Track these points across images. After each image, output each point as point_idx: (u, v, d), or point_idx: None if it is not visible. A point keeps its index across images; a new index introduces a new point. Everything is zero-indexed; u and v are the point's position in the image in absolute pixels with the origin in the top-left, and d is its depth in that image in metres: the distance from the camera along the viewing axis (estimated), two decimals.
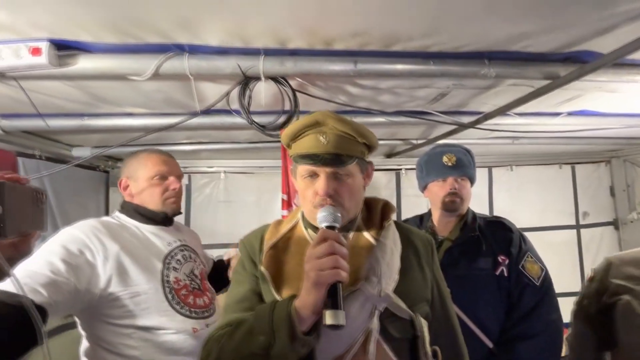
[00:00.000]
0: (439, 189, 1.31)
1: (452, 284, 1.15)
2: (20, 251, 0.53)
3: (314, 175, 0.73)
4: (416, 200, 2.66)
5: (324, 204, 0.71)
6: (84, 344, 1.02)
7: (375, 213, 0.83)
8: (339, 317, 0.59)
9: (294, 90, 1.12)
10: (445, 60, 1.08)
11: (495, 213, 2.96)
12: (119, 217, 1.17)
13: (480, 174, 3.00)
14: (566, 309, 3.10)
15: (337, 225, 0.68)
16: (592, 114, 1.78)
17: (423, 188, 1.42)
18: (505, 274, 1.15)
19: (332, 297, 0.61)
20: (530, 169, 3.03)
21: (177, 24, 0.84)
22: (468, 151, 1.36)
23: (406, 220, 1.52)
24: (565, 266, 2.99)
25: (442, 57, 1.07)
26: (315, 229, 0.77)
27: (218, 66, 1.00)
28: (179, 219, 2.64)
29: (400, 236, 0.81)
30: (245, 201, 2.81)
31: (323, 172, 0.71)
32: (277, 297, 0.71)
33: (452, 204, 1.28)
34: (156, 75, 1.00)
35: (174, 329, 1.00)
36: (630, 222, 2.97)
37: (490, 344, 1.12)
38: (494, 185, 3.00)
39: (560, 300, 3.22)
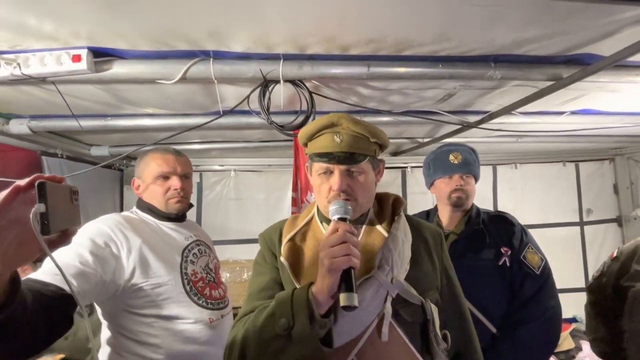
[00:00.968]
0: (446, 185, 1.38)
1: (458, 274, 1.22)
2: (59, 247, 0.58)
3: (328, 172, 0.79)
4: (422, 198, 2.72)
5: (338, 199, 0.76)
6: (105, 332, 1.07)
7: (387, 207, 0.89)
8: (353, 299, 0.63)
9: (310, 92, 1.19)
10: (454, 64, 1.14)
11: (499, 209, 3.01)
12: (137, 213, 1.22)
13: (485, 172, 3.06)
14: (569, 304, 3.14)
15: (349, 217, 0.73)
16: (595, 112, 1.83)
17: (430, 185, 1.49)
18: (508, 264, 1.22)
19: (346, 281, 0.65)
20: (534, 167, 3.07)
21: (207, 32, 0.91)
22: (473, 150, 1.43)
23: (413, 216, 1.59)
24: (568, 263, 3.03)
25: (450, 61, 1.14)
26: (329, 222, 0.82)
27: (241, 70, 1.07)
28: (191, 216, 2.73)
29: (411, 228, 0.87)
30: (254, 199, 2.90)
31: (337, 169, 0.77)
32: (297, 285, 0.77)
33: (458, 199, 1.35)
34: (183, 80, 1.07)
35: (192, 318, 1.06)
36: (633, 219, 3.01)
37: (493, 329, 1.19)
38: (499, 183, 3.05)
39: (563, 295, 3.25)
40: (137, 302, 1.02)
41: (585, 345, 2.58)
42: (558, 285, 3.26)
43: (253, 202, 2.90)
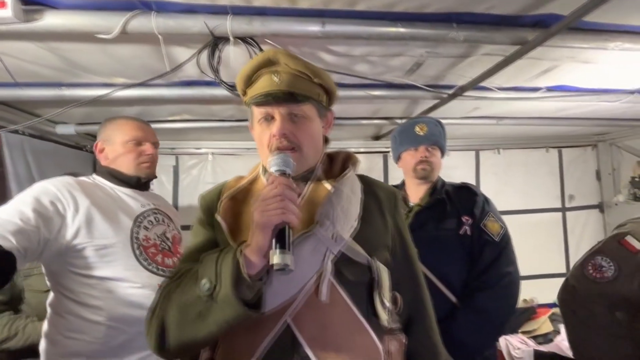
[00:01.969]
0: (411, 157, 1.35)
1: (420, 245, 1.19)
2: None
3: (269, 118, 0.73)
4: None
5: (280, 146, 0.71)
6: (50, 294, 1.06)
7: (337, 164, 0.84)
8: (286, 259, 0.58)
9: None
10: (413, 23, 1.09)
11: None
12: (94, 178, 1.21)
13: (468, 157, 3.04)
14: (550, 289, 3.13)
15: (289, 171, 0.67)
16: (570, 89, 1.79)
17: (397, 159, 1.45)
18: (469, 233, 1.20)
19: (279, 239, 0.60)
20: (517, 152, 3.05)
21: None
22: (439, 123, 1.40)
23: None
24: (550, 248, 3.03)
25: (409, 20, 1.08)
26: None
27: (186, 25, 1.01)
28: (167, 200, 2.66)
29: (365, 187, 0.82)
30: None
31: (278, 113, 0.71)
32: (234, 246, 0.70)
33: (423, 171, 1.32)
34: (124, 34, 1.01)
35: (140, 283, 1.04)
36: (615, 205, 3.00)
37: (454, 299, 1.16)
38: (481, 168, 3.02)
39: (545, 281, 3.26)
40: (80, 262, 1.01)
41: (564, 329, 2.58)
42: (540, 271, 3.26)
43: None
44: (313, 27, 1.05)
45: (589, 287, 1.02)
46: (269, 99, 0.70)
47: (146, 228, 1.14)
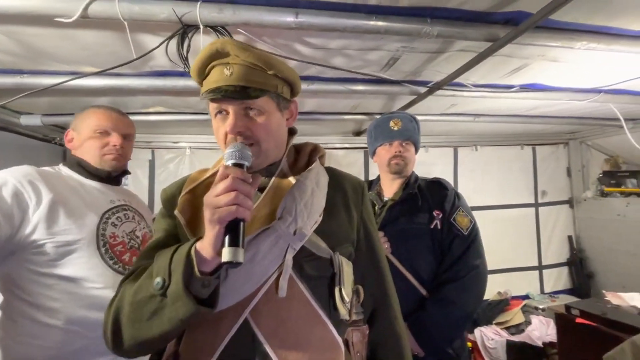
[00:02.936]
0: (386, 152, 1.36)
1: (392, 238, 1.21)
2: None
3: (223, 113, 0.70)
4: None
5: (235, 142, 0.68)
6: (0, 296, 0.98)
7: (303, 157, 0.82)
8: (237, 255, 0.56)
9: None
10: (387, 17, 1.09)
11: (460, 190, 3.04)
12: (60, 169, 1.15)
13: (446, 153, 3.10)
14: (523, 281, 3.23)
15: (246, 163, 0.65)
16: (543, 87, 1.84)
17: (372, 154, 1.46)
18: (439, 227, 1.22)
19: (231, 235, 0.57)
20: (494, 149, 3.13)
21: None
22: (414, 118, 1.41)
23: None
24: (523, 243, 3.14)
25: (384, 13, 1.08)
26: None
27: (152, 11, 0.96)
28: (143, 196, 2.56)
29: (331, 180, 0.81)
30: None
31: (231, 108, 0.69)
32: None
33: (397, 165, 1.33)
34: (85, 18, 0.96)
35: (102, 283, 0.98)
36: (583, 200, 3.13)
37: (424, 292, 1.18)
38: (459, 164, 3.09)
39: (518, 274, 3.36)
40: (39, 259, 0.94)
41: (535, 319, 2.68)
42: (513, 264, 3.36)
43: None
44: (286, 18, 1.03)
45: None
46: (221, 94, 0.67)
47: (114, 225, 1.09)
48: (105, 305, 0.98)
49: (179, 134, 2.70)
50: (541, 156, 3.21)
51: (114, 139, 1.15)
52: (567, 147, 3.26)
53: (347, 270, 0.75)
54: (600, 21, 1.16)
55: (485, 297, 1.31)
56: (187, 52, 1.12)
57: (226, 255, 0.57)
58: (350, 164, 2.93)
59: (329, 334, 0.70)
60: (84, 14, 0.94)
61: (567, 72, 1.63)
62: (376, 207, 1.39)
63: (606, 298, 2.05)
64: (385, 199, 1.38)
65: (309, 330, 0.68)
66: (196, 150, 2.75)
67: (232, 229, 0.58)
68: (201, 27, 1.02)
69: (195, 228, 0.71)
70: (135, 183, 2.63)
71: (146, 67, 1.44)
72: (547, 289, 3.13)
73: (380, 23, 1.09)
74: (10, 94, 1.51)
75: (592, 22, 1.16)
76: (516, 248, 3.10)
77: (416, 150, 1.43)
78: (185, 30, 1.04)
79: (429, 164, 2.96)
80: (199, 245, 0.60)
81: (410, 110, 2.00)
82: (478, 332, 2.61)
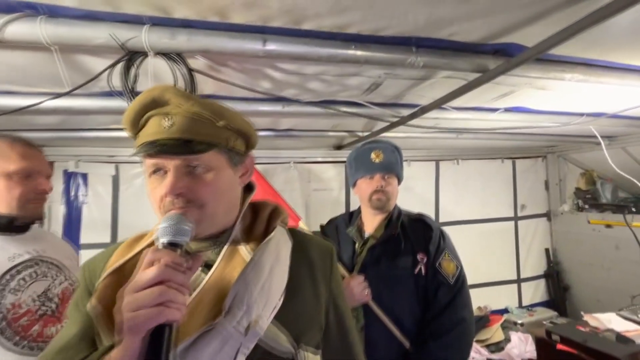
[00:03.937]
0: (367, 185, 1.26)
1: (373, 283, 1.11)
2: None
3: (162, 172, 0.57)
4: None
5: (173, 208, 0.55)
6: None
7: (261, 221, 0.68)
8: None
9: (190, 70, 0.94)
10: (368, 46, 0.97)
11: (442, 204, 3.02)
12: None
13: (428, 167, 3.04)
14: (502, 295, 3.23)
15: (183, 241, 0.52)
16: (527, 110, 1.80)
17: (353, 184, 1.35)
18: (423, 273, 1.14)
19: (153, 347, 0.45)
20: (475, 163, 3.11)
21: None
22: (397, 148, 1.31)
23: (336, 218, 1.45)
24: (503, 256, 3.14)
25: (364, 42, 0.96)
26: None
27: (85, 35, 0.80)
28: (105, 215, 2.33)
29: (295, 247, 0.68)
30: None
31: (171, 164, 0.55)
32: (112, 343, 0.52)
33: (378, 201, 1.23)
34: (3, 42, 0.78)
35: None
36: (560, 214, 3.17)
37: (407, 344, 1.09)
38: (441, 178, 3.04)
39: (498, 288, 3.37)
40: None
41: (514, 336, 2.68)
42: (493, 278, 3.35)
43: None
44: (253, 45, 0.89)
45: None
46: (157, 148, 0.54)
47: (15, 291, 0.88)
48: None
49: None
50: (520, 169, 3.22)
51: (43, 183, 0.97)
52: (545, 161, 3.29)
53: None
54: (595, 55, 1.09)
55: None
56: (135, 81, 0.95)
57: None
58: (331, 178, 2.82)
59: None
60: (0, 37, 0.76)
61: (553, 98, 1.57)
62: (356, 245, 1.28)
63: (584, 319, 2.05)
64: (366, 235, 1.27)
65: None
66: None
67: (155, 338, 0.45)
68: (150, 53, 0.86)
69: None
70: (97, 201, 2.40)
71: (95, 87, 1.25)
72: (525, 302, 3.15)
73: (359, 52, 0.97)
74: None
75: (587, 55, 1.09)
76: (496, 262, 3.10)
77: (399, 182, 1.33)
78: (131, 57, 0.88)
79: (411, 177, 2.88)
80: (113, 354, 0.46)
81: (393, 130, 1.90)
82: None
